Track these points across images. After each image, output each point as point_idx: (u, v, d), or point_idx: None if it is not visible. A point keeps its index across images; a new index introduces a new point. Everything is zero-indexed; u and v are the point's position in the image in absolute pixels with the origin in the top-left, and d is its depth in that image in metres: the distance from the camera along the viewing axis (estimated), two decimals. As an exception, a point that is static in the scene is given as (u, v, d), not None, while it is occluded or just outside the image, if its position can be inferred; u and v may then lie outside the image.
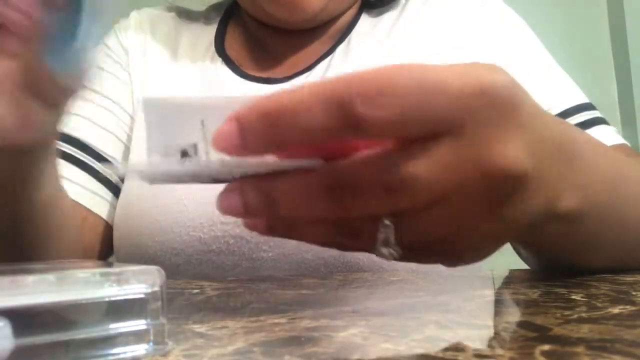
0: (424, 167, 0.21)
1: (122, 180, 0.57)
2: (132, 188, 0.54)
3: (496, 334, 0.22)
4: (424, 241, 0.24)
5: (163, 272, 0.20)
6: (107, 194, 0.57)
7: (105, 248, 0.58)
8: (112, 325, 0.19)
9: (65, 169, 0.55)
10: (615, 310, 0.25)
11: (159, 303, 0.20)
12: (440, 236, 0.24)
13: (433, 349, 0.19)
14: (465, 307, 0.27)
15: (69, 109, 0.35)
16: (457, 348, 0.19)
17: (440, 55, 0.58)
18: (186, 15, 0.67)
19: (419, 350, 0.19)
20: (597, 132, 0.54)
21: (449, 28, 0.60)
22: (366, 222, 0.24)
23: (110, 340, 0.19)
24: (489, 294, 0.33)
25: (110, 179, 0.58)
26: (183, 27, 0.65)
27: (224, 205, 0.24)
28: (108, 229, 0.57)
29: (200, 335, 0.22)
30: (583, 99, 0.57)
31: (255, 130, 0.22)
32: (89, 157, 0.57)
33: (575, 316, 0.24)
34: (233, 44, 0.64)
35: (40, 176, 0.40)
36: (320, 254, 0.48)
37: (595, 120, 0.55)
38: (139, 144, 0.58)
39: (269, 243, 0.49)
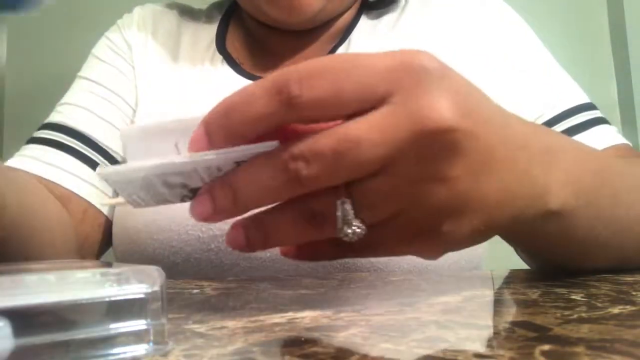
0: (364, 128, 0.24)
1: None
2: None
3: (496, 334, 0.22)
4: (384, 218, 0.26)
5: (163, 272, 0.20)
6: (108, 188, 0.57)
7: (106, 239, 0.58)
8: (112, 325, 0.19)
9: (66, 160, 0.56)
10: (615, 310, 0.25)
11: (159, 303, 0.20)
12: (397, 210, 0.26)
13: (433, 349, 0.19)
14: (465, 307, 0.27)
15: None
16: (457, 348, 0.19)
17: (440, 55, 0.58)
18: (188, 13, 0.68)
19: (419, 350, 0.19)
20: (598, 132, 0.54)
21: (449, 28, 0.60)
22: (326, 205, 0.25)
23: (110, 340, 0.19)
24: (489, 294, 0.33)
25: None
26: (185, 25, 0.66)
27: (197, 211, 0.26)
28: (108, 221, 0.57)
29: (200, 335, 0.22)
30: (584, 99, 0.57)
31: (217, 127, 0.24)
32: (89, 149, 0.57)
33: (575, 316, 0.24)
34: (234, 42, 0.64)
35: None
36: None
37: (596, 120, 0.55)
38: None
39: None
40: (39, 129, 0.59)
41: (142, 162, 0.25)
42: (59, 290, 0.18)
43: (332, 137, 0.24)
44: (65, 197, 0.54)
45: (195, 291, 0.35)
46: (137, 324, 0.19)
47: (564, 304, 0.26)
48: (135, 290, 0.19)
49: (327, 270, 0.47)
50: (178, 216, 0.50)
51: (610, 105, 1.36)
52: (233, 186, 0.25)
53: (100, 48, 0.65)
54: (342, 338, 0.21)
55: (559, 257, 0.37)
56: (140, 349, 0.19)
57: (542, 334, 0.21)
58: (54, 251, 0.47)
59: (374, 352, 0.19)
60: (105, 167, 0.27)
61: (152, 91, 0.60)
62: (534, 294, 0.30)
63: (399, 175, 0.25)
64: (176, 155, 0.26)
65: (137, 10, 0.67)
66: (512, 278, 0.39)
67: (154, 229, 0.50)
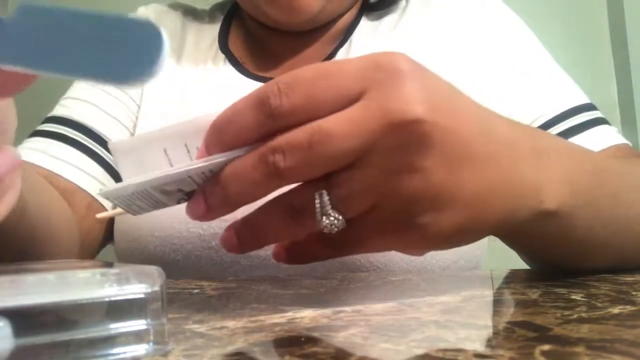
0: (336, 121, 0.25)
1: None
2: None
3: (496, 334, 0.22)
4: (361, 210, 0.27)
5: (163, 272, 0.20)
6: (112, 183, 0.57)
7: (108, 234, 0.58)
8: (112, 325, 0.19)
9: (71, 153, 0.56)
10: (615, 310, 0.25)
11: (159, 303, 0.20)
12: (373, 202, 0.27)
13: (433, 349, 0.19)
14: (465, 307, 0.27)
15: None
16: (457, 348, 0.19)
17: (441, 55, 0.58)
18: (191, 13, 0.68)
19: (419, 350, 0.19)
20: (598, 132, 0.54)
21: (450, 29, 0.60)
22: (305, 199, 0.27)
23: (110, 340, 0.19)
24: (489, 294, 0.33)
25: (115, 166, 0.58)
26: (189, 25, 0.66)
27: (192, 211, 0.28)
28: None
29: (200, 335, 0.22)
30: (584, 99, 0.57)
31: (213, 143, 0.27)
32: (94, 143, 0.57)
33: (575, 316, 0.24)
34: (236, 41, 0.64)
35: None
36: None
37: (597, 120, 0.55)
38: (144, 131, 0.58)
39: None
40: (43, 122, 0.59)
41: (139, 178, 0.27)
42: (59, 290, 0.18)
43: (306, 130, 0.25)
44: (69, 191, 0.54)
45: (195, 291, 0.35)
46: (137, 324, 0.19)
47: (564, 304, 0.26)
48: (135, 290, 0.19)
49: (327, 270, 0.47)
50: (179, 214, 0.50)
51: (610, 105, 1.36)
52: (222, 183, 0.26)
53: None
54: (342, 338, 0.21)
55: (558, 258, 0.37)
56: (140, 349, 0.19)
57: (542, 334, 0.21)
58: (59, 249, 0.47)
59: (374, 352, 0.19)
60: (104, 187, 0.28)
61: (155, 90, 0.60)
62: (534, 294, 0.30)
63: (372, 166, 0.26)
64: (167, 163, 0.28)
65: (141, 10, 0.68)
66: (512, 278, 0.39)
67: (155, 226, 0.50)
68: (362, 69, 0.26)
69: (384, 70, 0.26)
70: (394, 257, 0.47)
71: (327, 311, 0.26)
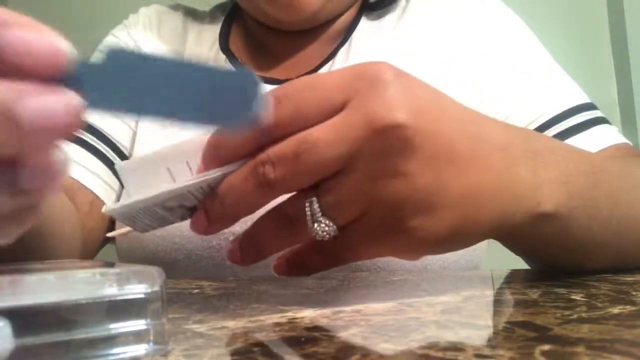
0: (321, 130, 0.26)
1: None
2: None
3: (496, 334, 0.22)
4: (352, 217, 0.27)
5: (163, 272, 0.20)
6: (115, 182, 0.58)
7: (112, 230, 0.58)
8: (112, 326, 0.19)
9: (74, 151, 0.56)
10: (615, 310, 0.25)
11: (159, 303, 0.20)
12: (362, 208, 0.27)
13: (433, 349, 0.19)
14: (465, 307, 0.27)
15: None
16: (457, 348, 0.19)
17: (441, 55, 0.58)
18: (192, 14, 0.68)
19: (419, 351, 0.19)
20: (598, 132, 0.54)
21: (450, 28, 0.60)
22: (298, 207, 0.28)
23: (110, 341, 0.19)
24: (489, 294, 0.33)
25: None
26: (190, 26, 0.66)
27: (195, 226, 0.29)
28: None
29: (200, 335, 0.22)
30: (584, 99, 0.57)
31: (208, 157, 0.28)
32: (99, 142, 0.58)
33: (575, 316, 0.24)
34: (237, 42, 0.64)
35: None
36: None
37: (597, 119, 0.55)
38: (145, 134, 0.58)
39: None
40: None
41: (141, 195, 0.28)
42: (59, 290, 0.18)
43: (293, 141, 0.26)
44: (72, 189, 0.54)
45: (195, 291, 0.35)
46: (137, 324, 0.19)
47: (564, 304, 0.26)
48: (135, 290, 0.19)
49: (328, 270, 0.47)
50: None
51: (610, 105, 1.36)
52: (219, 196, 0.27)
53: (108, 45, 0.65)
54: (342, 338, 0.21)
55: (558, 259, 0.37)
56: (140, 349, 0.19)
57: (542, 334, 0.21)
58: (61, 246, 0.47)
59: (374, 352, 0.19)
60: (109, 205, 0.30)
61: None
62: (534, 294, 0.30)
63: (358, 172, 0.26)
64: (170, 181, 0.29)
65: (143, 10, 0.68)
66: (512, 278, 0.39)
67: None
68: (346, 79, 0.26)
69: (366, 79, 0.26)
70: (395, 258, 0.47)
71: (327, 311, 0.26)
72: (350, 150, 0.26)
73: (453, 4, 0.61)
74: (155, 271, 0.20)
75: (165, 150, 0.29)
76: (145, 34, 0.65)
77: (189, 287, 0.37)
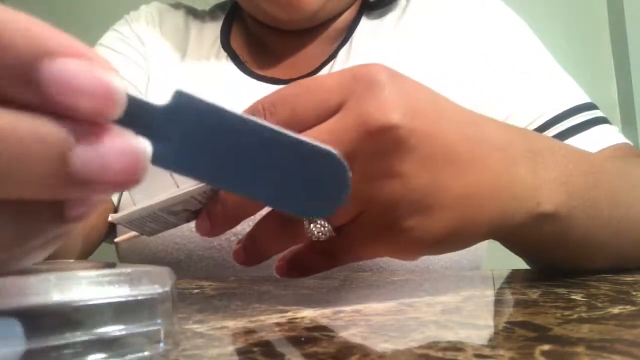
0: (317, 132, 0.26)
1: None
2: None
3: (496, 334, 0.22)
4: (348, 218, 0.28)
5: (173, 273, 0.20)
6: None
7: (108, 231, 0.58)
8: (123, 326, 0.19)
9: None
10: (615, 310, 0.25)
11: (170, 303, 0.20)
12: (358, 209, 0.27)
13: (433, 348, 0.19)
14: (465, 307, 0.27)
15: None
16: (457, 348, 0.19)
17: (441, 55, 0.58)
18: (193, 13, 0.68)
19: (419, 350, 0.19)
20: (599, 132, 0.54)
21: (450, 28, 0.60)
22: None
23: (121, 341, 0.19)
24: (489, 294, 0.33)
25: None
26: (191, 23, 0.66)
27: (200, 228, 0.29)
28: (114, 211, 0.57)
29: (201, 335, 0.22)
30: (584, 98, 0.57)
31: None
32: None
33: (575, 316, 0.24)
34: (237, 40, 0.64)
35: None
36: None
37: (597, 119, 0.55)
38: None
39: None
40: None
41: (146, 202, 0.28)
42: (69, 291, 0.18)
43: None
44: None
45: (195, 291, 0.35)
46: (149, 325, 0.19)
47: (564, 304, 0.26)
48: (147, 291, 0.19)
49: (329, 270, 0.47)
50: None
51: (610, 105, 1.36)
52: (221, 199, 0.28)
53: (110, 39, 0.65)
54: (342, 338, 0.21)
55: (558, 259, 0.37)
56: (152, 349, 0.19)
57: (542, 334, 0.21)
58: (62, 248, 0.47)
59: (373, 352, 0.19)
60: (115, 214, 0.30)
61: (160, 86, 0.60)
62: (534, 294, 0.30)
63: (353, 173, 0.27)
64: (174, 186, 0.29)
65: (144, 7, 0.68)
66: (512, 278, 0.39)
67: None
68: (341, 81, 0.27)
69: (361, 81, 0.26)
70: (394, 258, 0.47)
71: (327, 311, 0.26)
72: (345, 152, 0.26)
73: (453, 4, 0.62)
74: (166, 271, 0.20)
75: None
76: (148, 29, 0.65)
77: (189, 287, 0.37)
